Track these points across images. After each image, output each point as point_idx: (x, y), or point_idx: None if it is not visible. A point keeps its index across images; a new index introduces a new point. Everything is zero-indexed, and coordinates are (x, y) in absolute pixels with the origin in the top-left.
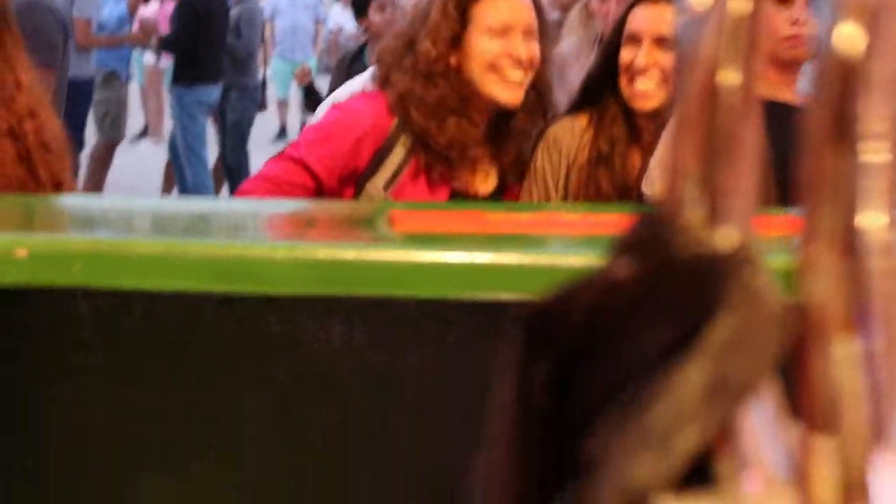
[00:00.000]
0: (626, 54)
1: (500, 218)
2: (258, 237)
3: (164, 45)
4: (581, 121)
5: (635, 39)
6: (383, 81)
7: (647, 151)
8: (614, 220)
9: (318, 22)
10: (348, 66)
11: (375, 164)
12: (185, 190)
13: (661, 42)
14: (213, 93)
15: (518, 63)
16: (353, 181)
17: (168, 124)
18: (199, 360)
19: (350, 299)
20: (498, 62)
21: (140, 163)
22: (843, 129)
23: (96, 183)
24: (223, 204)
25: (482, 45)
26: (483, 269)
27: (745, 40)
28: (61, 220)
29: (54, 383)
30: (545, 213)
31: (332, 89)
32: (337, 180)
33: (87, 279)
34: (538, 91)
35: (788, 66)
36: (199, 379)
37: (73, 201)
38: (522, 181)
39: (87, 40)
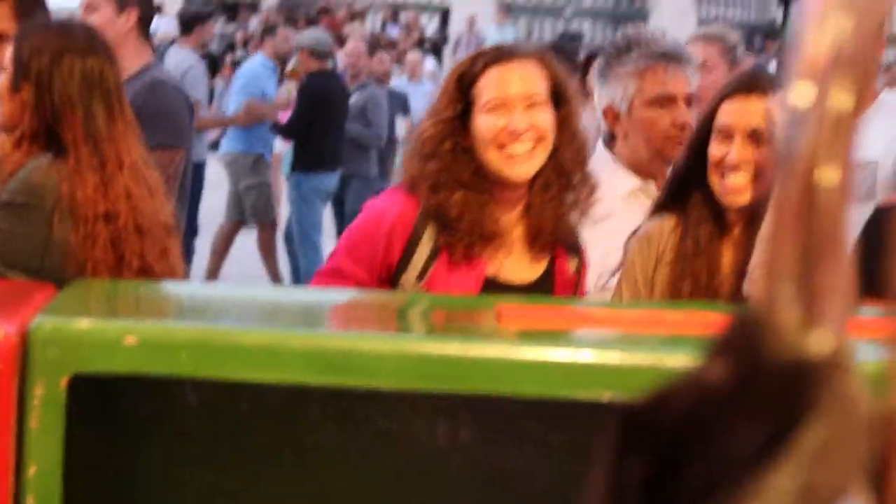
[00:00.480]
0: (716, 150)
1: (605, 315)
2: (365, 330)
3: (283, 131)
4: (670, 220)
5: (726, 134)
6: (402, 172)
7: (739, 247)
8: (716, 320)
9: None
10: None
11: (407, 257)
12: (298, 278)
13: (753, 136)
14: (332, 180)
15: (518, 136)
16: (390, 279)
17: (284, 210)
18: (305, 453)
19: (455, 396)
20: (499, 138)
21: (253, 248)
22: None
23: (214, 269)
24: (332, 294)
25: (483, 123)
26: (587, 368)
27: (844, 139)
28: (170, 308)
29: (161, 472)
30: (649, 312)
31: None
32: (377, 280)
33: (194, 369)
34: (556, 161)
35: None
36: (304, 473)
37: (183, 288)
38: (577, 267)
39: (198, 122)
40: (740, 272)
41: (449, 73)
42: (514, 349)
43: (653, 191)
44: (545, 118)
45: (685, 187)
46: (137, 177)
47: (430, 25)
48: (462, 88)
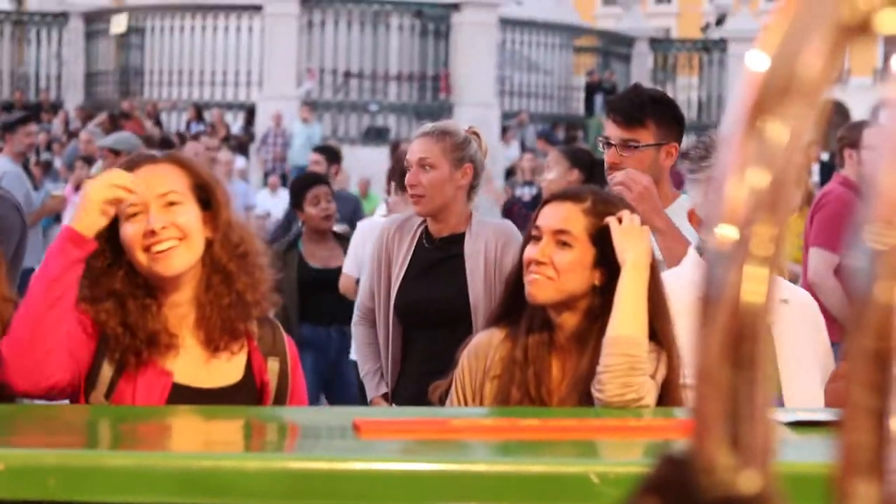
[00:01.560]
0: (527, 251)
1: (466, 424)
2: (228, 449)
3: None
4: (500, 333)
5: (537, 236)
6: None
7: (568, 356)
8: (572, 426)
9: (248, 208)
10: (284, 253)
11: (93, 373)
12: None
13: (558, 238)
14: None
15: (157, 234)
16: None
17: None
18: None
19: None
20: (142, 240)
21: None
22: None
23: None
24: (192, 410)
25: (126, 231)
26: (453, 477)
27: (765, 276)
28: (36, 431)
29: None
30: (508, 419)
31: None
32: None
33: (62, 493)
34: (212, 258)
35: None
36: None
37: (45, 411)
38: (281, 368)
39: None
40: (571, 381)
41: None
42: (379, 462)
43: None
44: (185, 215)
45: (517, 298)
46: None
47: (236, 124)
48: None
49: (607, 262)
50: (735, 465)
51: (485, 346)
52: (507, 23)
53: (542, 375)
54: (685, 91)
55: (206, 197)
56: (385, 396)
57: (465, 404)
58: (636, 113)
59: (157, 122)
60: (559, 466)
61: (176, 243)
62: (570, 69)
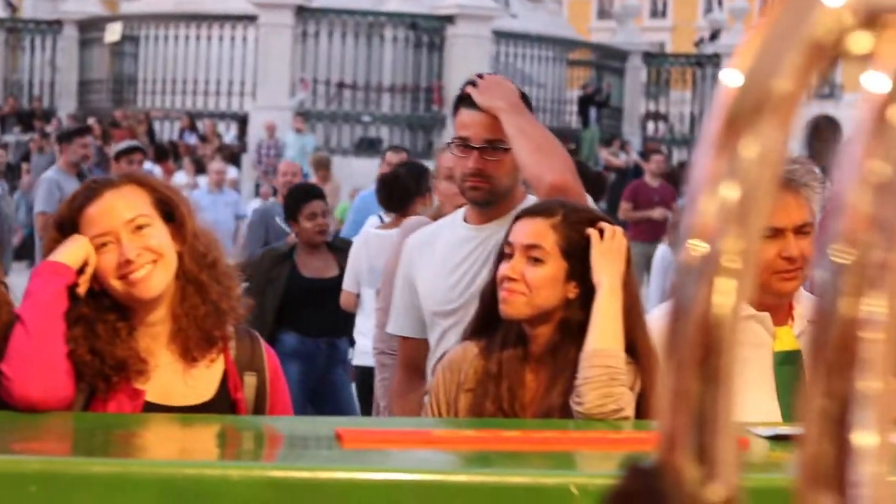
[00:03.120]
0: (500, 267)
1: (447, 435)
2: (211, 457)
3: None
4: (474, 347)
5: (510, 252)
6: None
7: (542, 368)
8: (551, 437)
9: (239, 218)
10: (280, 259)
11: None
12: None
13: (528, 253)
14: None
15: (132, 263)
16: None
17: None
18: None
19: None
20: (117, 270)
21: None
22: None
23: None
24: (175, 419)
25: (97, 264)
26: (435, 487)
27: (735, 291)
28: (17, 438)
29: None
30: (490, 431)
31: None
32: None
33: (43, 500)
34: (183, 270)
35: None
36: None
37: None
38: (259, 382)
39: None
40: (545, 393)
41: (49, 223)
42: (361, 472)
43: (769, 324)
44: (156, 236)
45: (492, 312)
46: None
47: (228, 134)
48: (66, 235)
49: (580, 275)
50: (701, 478)
51: (459, 360)
52: (501, 35)
53: (515, 390)
54: (678, 105)
55: (170, 210)
56: None
57: (440, 416)
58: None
59: (150, 131)
60: (539, 478)
61: (151, 267)
62: (564, 82)
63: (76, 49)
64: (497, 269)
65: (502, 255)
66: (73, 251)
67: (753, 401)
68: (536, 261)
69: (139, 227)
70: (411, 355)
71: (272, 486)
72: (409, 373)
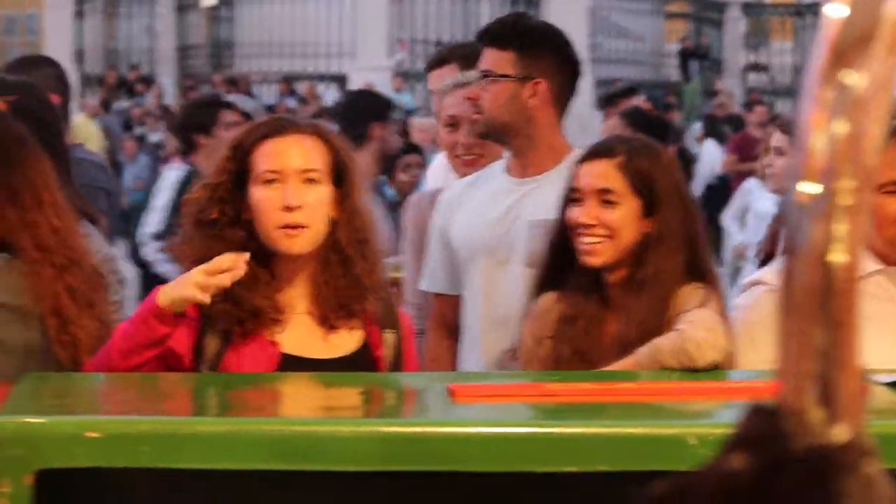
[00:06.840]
0: (570, 213)
1: (561, 388)
2: (322, 414)
3: None
4: (550, 297)
5: (577, 197)
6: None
7: (621, 314)
8: (668, 389)
9: None
10: None
11: (198, 347)
12: None
13: (601, 197)
14: None
15: (293, 210)
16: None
17: None
18: None
19: (413, 476)
20: (275, 212)
21: None
22: None
23: None
24: (284, 378)
25: (257, 195)
26: (549, 440)
27: (850, 229)
28: (128, 399)
29: None
30: (602, 384)
31: None
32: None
33: (155, 460)
34: (335, 238)
35: None
36: None
37: (132, 379)
38: (396, 340)
39: None
40: (623, 339)
41: (226, 140)
42: (474, 426)
43: None
44: (320, 195)
45: (562, 258)
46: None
47: (328, 95)
48: (236, 157)
49: (654, 209)
50: (825, 420)
51: (541, 311)
52: None
53: (592, 331)
54: (779, 56)
55: (341, 177)
56: None
57: (531, 366)
58: (498, 38)
59: (249, 95)
60: (657, 428)
61: (307, 223)
62: (662, 35)
63: (173, 14)
64: (563, 216)
65: (568, 201)
66: (181, 294)
67: (878, 354)
68: (609, 203)
69: (309, 180)
70: (444, 313)
71: (385, 442)
72: (443, 332)
